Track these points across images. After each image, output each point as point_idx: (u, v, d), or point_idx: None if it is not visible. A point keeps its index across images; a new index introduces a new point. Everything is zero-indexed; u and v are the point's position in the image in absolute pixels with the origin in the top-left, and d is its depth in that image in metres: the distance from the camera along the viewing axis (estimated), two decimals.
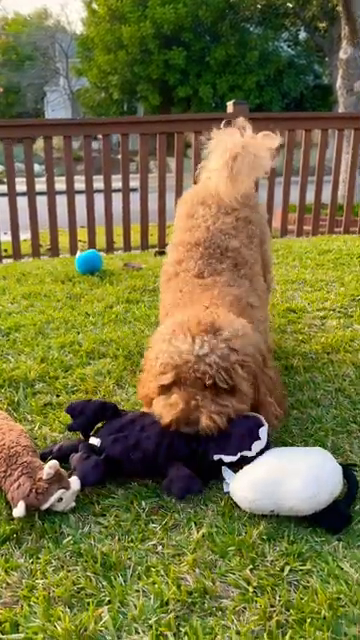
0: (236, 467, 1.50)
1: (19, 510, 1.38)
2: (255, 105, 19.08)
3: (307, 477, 1.36)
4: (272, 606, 1.15)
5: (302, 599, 1.16)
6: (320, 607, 1.14)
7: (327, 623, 1.11)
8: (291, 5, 19.73)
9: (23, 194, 5.05)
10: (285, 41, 22.19)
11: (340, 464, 1.45)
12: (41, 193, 5.10)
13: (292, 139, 5.71)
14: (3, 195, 5.41)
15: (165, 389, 1.59)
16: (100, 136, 5.42)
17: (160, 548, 1.32)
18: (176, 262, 1.99)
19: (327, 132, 5.78)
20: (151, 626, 1.11)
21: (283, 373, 2.20)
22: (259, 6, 20.06)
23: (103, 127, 5.45)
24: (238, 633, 1.09)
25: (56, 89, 32.53)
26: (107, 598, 1.18)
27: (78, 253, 3.83)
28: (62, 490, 1.43)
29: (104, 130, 5.35)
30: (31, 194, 5.12)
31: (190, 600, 1.17)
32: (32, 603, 1.17)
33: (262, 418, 1.58)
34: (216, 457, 1.48)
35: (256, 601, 1.16)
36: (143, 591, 1.20)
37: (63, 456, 1.61)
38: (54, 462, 1.45)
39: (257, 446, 1.49)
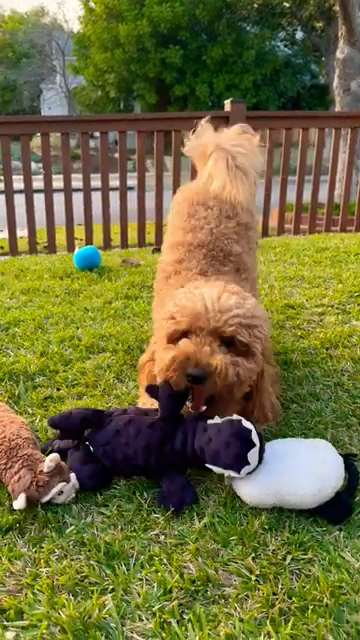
0: None
1: (19, 502, 1.38)
2: (252, 104, 19.11)
3: (310, 473, 1.37)
4: (274, 594, 1.16)
5: (304, 587, 1.17)
6: (322, 595, 1.15)
7: (329, 610, 1.12)
8: (288, 5, 19.76)
9: (20, 192, 5.05)
10: (282, 41, 22.23)
11: (340, 454, 1.46)
12: (38, 191, 5.10)
13: (289, 138, 5.73)
14: (0, 192, 5.42)
15: (175, 339, 1.53)
16: (98, 134, 5.42)
17: (162, 537, 1.32)
18: (176, 261, 1.94)
19: (324, 131, 5.80)
20: (155, 613, 1.12)
21: (282, 368, 2.22)
22: (256, 5, 20.08)
23: (100, 124, 5.44)
24: (241, 620, 1.10)
25: (52, 87, 32.50)
26: (110, 586, 1.19)
27: (76, 249, 3.83)
28: (63, 483, 1.44)
29: (101, 127, 5.33)
30: (28, 191, 5.12)
31: (193, 588, 1.18)
32: (36, 591, 1.18)
33: (250, 425, 1.41)
34: (208, 465, 1.43)
35: (259, 589, 1.17)
36: (146, 579, 1.21)
37: (64, 450, 1.61)
38: (55, 455, 1.45)
39: (246, 470, 1.38)
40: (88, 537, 1.32)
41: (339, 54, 9.93)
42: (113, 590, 1.18)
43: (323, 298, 2.94)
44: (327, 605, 1.13)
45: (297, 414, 1.88)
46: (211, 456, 1.41)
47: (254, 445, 1.37)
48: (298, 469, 1.39)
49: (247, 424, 1.41)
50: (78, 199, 5.22)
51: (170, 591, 1.17)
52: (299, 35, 21.96)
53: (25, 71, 31.06)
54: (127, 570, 1.23)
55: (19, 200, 5.07)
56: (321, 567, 1.23)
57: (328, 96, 19.25)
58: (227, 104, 5.56)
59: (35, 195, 5.15)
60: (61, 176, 5.15)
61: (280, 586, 1.18)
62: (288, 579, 1.20)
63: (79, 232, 5.54)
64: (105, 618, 1.12)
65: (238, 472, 1.37)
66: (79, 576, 1.22)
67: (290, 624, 1.09)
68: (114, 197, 5.31)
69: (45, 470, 1.43)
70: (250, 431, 1.39)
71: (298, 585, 1.18)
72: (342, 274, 3.35)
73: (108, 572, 1.23)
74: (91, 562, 1.25)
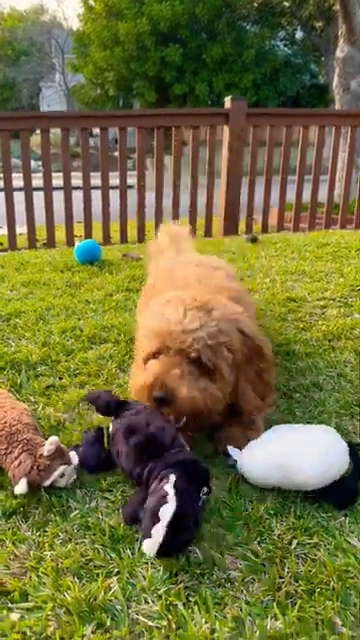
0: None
1: (21, 487, 1.37)
2: (251, 103, 19.02)
3: (315, 453, 1.37)
4: (281, 577, 1.16)
5: (310, 571, 1.17)
6: (329, 578, 1.15)
7: (336, 594, 1.11)
8: (288, 4, 19.76)
9: (20, 189, 5.03)
10: (281, 40, 22.20)
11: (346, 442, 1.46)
12: (37, 189, 5.09)
13: (289, 136, 5.72)
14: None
15: (146, 360, 1.56)
16: (98, 132, 5.40)
17: None
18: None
19: (324, 129, 5.79)
20: (161, 596, 1.11)
21: (285, 358, 2.21)
22: (256, 4, 20.06)
23: (100, 120, 5.41)
24: (247, 603, 1.10)
25: (52, 85, 32.49)
26: (116, 569, 1.18)
27: (77, 243, 3.82)
28: (64, 466, 1.43)
29: (101, 123, 5.30)
30: (28, 189, 5.10)
31: (199, 571, 1.17)
32: (40, 574, 1.17)
33: (167, 504, 1.18)
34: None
35: (265, 572, 1.17)
36: (151, 563, 1.20)
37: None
38: (54, 438, 1.44)
39: (147, 543, 1.18)
40: (92, 521, 1.31)
41: (339, 53, 9.93)
42: (118, 573, 1.18)
43: (325, 292, 2.93)
44: (334, 588, 1.13)
45: (300, 403, 1.87)
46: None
47: (158, 521, 1.16)
48: (304, 448, 1.39)
49: (165, 500, 1.20)
50: (77, 197, 5.21)
51: (176, 574, 1.17)
52: (299, 35, 21.95)
53: (24, 69, 31.04)
54: (132, 554, 1.23)
55: (18, 198, 5.05)
56: (327, 551, 1.22)
57: (327, 96, 19.25)
58: (227, 101, 5.54)
59: (34, 193, 5.14)
60: (61, 174, 5.14)
61: (286, 570, 1.17)
62: (294, 563, 1.19)
63: (78, 230, 5.53)
64: (111, 600, 1.11)
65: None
66: (84, 559, 1.21)
67: (297, 607, 1.08)
68: (114, 195, 5.31)
69: (45, 454, 1.42)
70: (162, 504, 1.19)
71: (304, 569, 1.18)
72: (343, 269, 3.34)
73: (113, 556, 1.22)
74: (96, 546, 1.25)
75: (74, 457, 1.46)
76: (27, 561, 1.21)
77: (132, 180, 5.28)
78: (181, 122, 5.58)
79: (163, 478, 1.26)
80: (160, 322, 1.54)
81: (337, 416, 1.79)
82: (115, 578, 1.16)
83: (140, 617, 1.07)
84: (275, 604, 1.10)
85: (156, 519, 1.16)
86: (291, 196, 5.85)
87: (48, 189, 5.15)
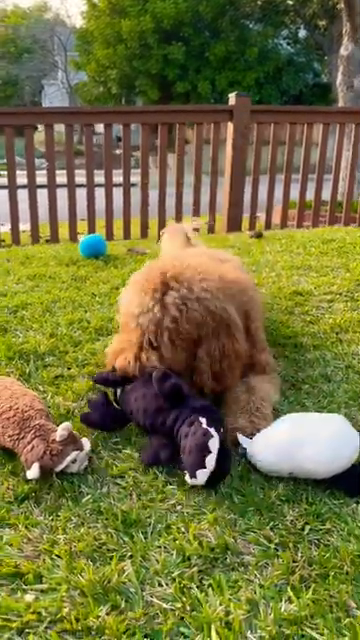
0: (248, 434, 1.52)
1: (33, 472, 1.38)
2: (254, 102, 19.06)
3: (326, 441, 1.37)
4: (294, 562, 1.16)
5: (324, 556, 1.17)
6: (342, 563, 1.15)
7: (350, 578, 1.12)
8: (291, 3, 19.77)
9: (23, 187, 5.03)
10: (285, 39, 22.21)
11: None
12: (41, 186, 5.08)
13: (293, 135, 5.71)
14: (3, 187, 5.39)
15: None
16: (101, 130, 5.38)
17: (179, 507, 1.32)
18: None
19: (328, 127, 5.78)
20: (174, 579, 1.12)
21: (292, 351, 2.22)
22: (259, 3, 20.07)
23: (103, 116, 5.40)
24: (262, 586, 1.10)
25: (54, 82, 32.48)
26: (129, 553, 1.19)
27: (82, 237, 3.82)
28: (76, 451, 1.43)
29: (104, 119, 5.28)
30: (31, 186, 5.09)
31: (212, 556, 1.18)
32: (54, 557, 1.17)
33: (211, 435, 1.37)
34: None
35: (278, 556, 1.17)
36: (165, 547, 1.20)
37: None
38: (67, 424, 1.45)
39: (201, 473, 1.35)
40: (105, 506, 1.32)
41: (343, 51, 9.91)
42: (131, 557, 1.18)
43: (331, 286, 2.93)
44: (348, 573, 1.13)
45: (309, 395, 1.88)
46: (182, 452, 1.43)
47: (210, 452, 1.34)
48: (314, 437, 1.39)
49: (209, 434, 1.37)
50: (81, 195, 5.20)
51: (189, 558, 1.17)
52: (302, 33, 21.96)
53: (27, 66, 31.02)
54: (145, 538, 1.23)
55: (22, 195, 5.05)
56: (340, 537, 1.23)
57: (330, 94, 19.24)
58: (232, 97, 5.53)
59: (38, 190, 5.13)
60: (64, 171, 5.13)
61: (300, 554, 1.18)
62: (307, 548, 1.20)
63: (81, 227, 5.52)
64: (124, 583, 1.11)
65: (192, 477, 1.36)
66: (97, 543, 1.21)
67: (311, 590, 1.09)
68: (117, 193, 5.31)
69: (58, 439, 1.42)
70: (209, 439, 1.36)
71: (318, 554, 1.18)
72: (349, 264, 3.34)
73: (126, 539, 1.22)
74: (108, 530, 1.25)
75: (86, 443, 1.46)
76: (40, 544, 1.21)
77: (135, 178, 5.28)
78: (185, 119, 5.57)
79: (194, 421, 1.42)
80: (124, 303, 1.78)
81: (346, 407, 1.79)
82: (129, 561, 1.16)
83: (154, 599, 1.08)
84: (289, 587, 1.10)
85: (206, 451, 1.33)
86: (294, 194, 5.84)
87: (52, 186, 5.14)
